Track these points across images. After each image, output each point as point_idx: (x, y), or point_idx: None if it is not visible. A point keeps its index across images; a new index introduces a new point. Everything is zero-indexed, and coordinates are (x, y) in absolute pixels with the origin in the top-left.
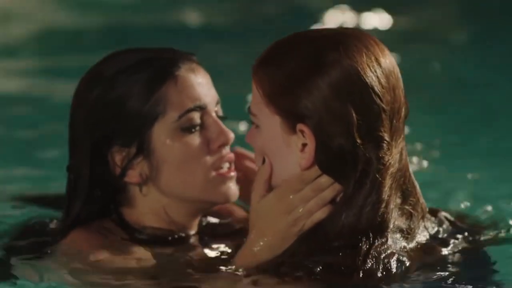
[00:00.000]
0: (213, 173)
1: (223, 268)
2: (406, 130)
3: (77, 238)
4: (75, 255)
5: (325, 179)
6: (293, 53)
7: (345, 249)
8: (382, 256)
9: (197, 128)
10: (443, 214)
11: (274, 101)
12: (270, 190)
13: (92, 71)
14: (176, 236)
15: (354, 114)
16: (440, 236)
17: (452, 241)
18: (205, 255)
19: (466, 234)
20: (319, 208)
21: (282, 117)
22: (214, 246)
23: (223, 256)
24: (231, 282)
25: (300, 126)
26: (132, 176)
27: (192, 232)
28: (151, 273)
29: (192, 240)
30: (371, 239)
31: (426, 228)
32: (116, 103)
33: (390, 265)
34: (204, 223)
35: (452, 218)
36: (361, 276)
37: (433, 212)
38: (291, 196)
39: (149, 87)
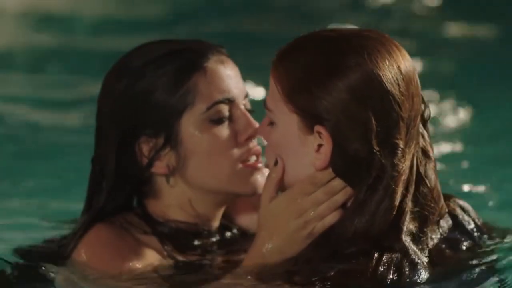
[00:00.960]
0: (240, 165)
1: (232, 271)
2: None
3: (99, 234)
4: (91, 261)
5: (337, 183)
6: (315, 52)
7: (358, 255)
8: (394, 261)
9: (225, 120)
10: (457, 204)
11: (292, 99)
12: (281, 191)
13: (120, 62)
14: (199, 230)
15: (373, 120)
16: (451, 236)
17: (462, 244)
18: (223, 256)
19: (476, 233)
20: (330, 212)
21: (299, 116)
22: (234, 245)
23: (239, 257)
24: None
25: (317, 127)
26: (159, 167)
27: (215, 226)
28: (166, 282)
29: (214, 236)
30: (384, 245)
31: (439, 229)
32: (144, 93)
33: (403, 270)
34: (225, 220)
35: (467, 208)
36: (373, 282)
37: (446, 200)
38: (302, 199)
39: (178, 78)
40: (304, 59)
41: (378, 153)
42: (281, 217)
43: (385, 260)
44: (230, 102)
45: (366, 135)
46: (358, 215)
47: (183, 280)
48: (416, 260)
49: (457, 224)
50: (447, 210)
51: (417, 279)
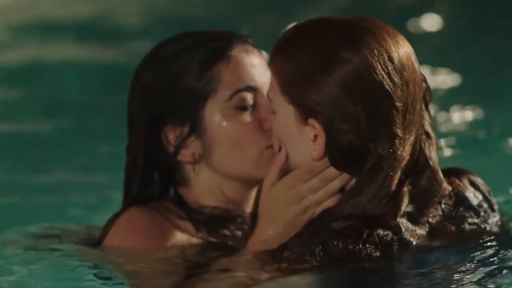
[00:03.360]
0: (266, 151)
1: (233, 257)
2: None
3: (132, 216)
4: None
5: (333, 170)
6: (307, 47)
7: (348, 231)
8: (384, 239)
9: (249, 108)
10: (468, 179)
11: (287, 91)
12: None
13: (150, 53)
14: (232, 215)
15: (363, 113)
16: (454, 213)
17: (466, 220)
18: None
19: (482, 209)
20: (327, 198)
21: (295, 108)
22: None
23: None
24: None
25: (311, 120)
26: (185, 155)
27: (247, 211)
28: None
29: (247, 222)
30: (375, 224)
31: (442, 206)
32: (170, 81)
33: (392, 248)
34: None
35: (477, 183)
36: (361, 258)
37: (457, 176)
38: (299, 186)
39: (203, 66)
40: (296, 53)
41: (372, 143)
42: (280, 203)
43: (374, 237)
44: (254, 90)
45: (358, 127)
46: (354, 198)
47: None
48: (408, 239)
49: (462, 200)
50: (450, 188)
51: (406, 258)
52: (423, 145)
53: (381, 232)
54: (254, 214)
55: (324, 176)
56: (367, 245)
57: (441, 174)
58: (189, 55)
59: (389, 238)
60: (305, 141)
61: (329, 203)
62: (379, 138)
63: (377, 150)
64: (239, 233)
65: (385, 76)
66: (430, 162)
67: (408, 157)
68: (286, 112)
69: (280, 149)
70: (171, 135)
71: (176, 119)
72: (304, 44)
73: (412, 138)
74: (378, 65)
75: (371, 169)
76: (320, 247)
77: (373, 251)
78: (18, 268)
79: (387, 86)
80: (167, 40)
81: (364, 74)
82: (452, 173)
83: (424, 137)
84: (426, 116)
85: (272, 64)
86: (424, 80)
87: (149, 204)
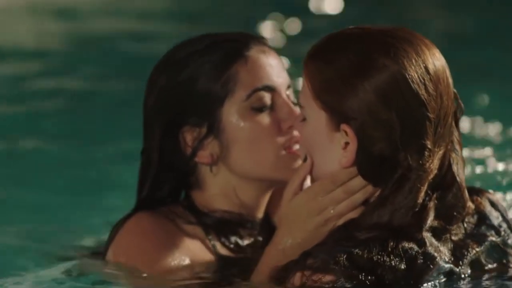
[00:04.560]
0: (284, 152)
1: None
2: None
3: (140, 222)
4: (130, 248)
5: (357, 182)
6: (344, 53)
7: (373, 242)
8: (409, 253)
9: (267, 108)
10: (487, 198)
11: (320, 97)
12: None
13: (165, 56)
14: (243, 220)
15: (397, 121)
16: (476, 232)
17: (487, 238)
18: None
19: (503, 228)
20: (349, 210)
21: (327, 114)
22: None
23: None
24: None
25: (343, 126)
26: (203, 156)
27: (258, 217)
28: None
29: (257, 228)
30: (400, 237)
31: (465, 224)
32: (187, 82)
33: (416, 262)
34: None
35: (496, 203)
36: (385, 270)
37: (477, 195)
38: (322, 197)
39: (220, 67)
40: (333, 59)
41: (403, 153)
42: (301, 214)
43: (399, 250)
44: (271, 90)
45: (390, 136)
46: (379, 209)
47: (221, 273)
48: (432, 254)
49: (484, 219)
50: (473, 206)
51: (430, 272)
52: (451, 161)
53: (406, 244)
54: (264, 221)
55: (347, 188)
56: (391, 257)
57: (466, 192)
58: (206, 56)
59: (413, 252)
60: (334, 149)
61: (351, 216)
62: (409, 148)
63: (406, 161)
64: (249, 239)
65: (421, 86)
66: (458, 179)
67: (436, 171)
68: (317, 118)
69: (305, 159)
70: (189, 136)
71: (193, 120)
72: (342, 50)
73: (441, 152)
74: (415, 74)
75: (398, 180)
76: (345, 256)
77: (397, 263)
78: None
79: (422, 96)
80: (183, 42)
81: (401, 82)
82: (472, 191)
83: (453, 154)
84: (455, 133)
85: (306, 70)
86: (456, 97)
87: (157, 210)
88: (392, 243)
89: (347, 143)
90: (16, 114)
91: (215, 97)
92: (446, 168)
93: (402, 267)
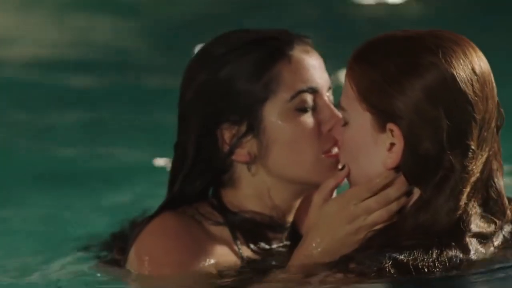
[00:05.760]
0: (323, 155)
1: (277, 271)
2: None
3: (164, 222)
4: (153, 249)
5: (391, 192)
6: (391, 52)
7: (417, 249)
8: (453, 261)
9: (309, 110)
10: None
11: (367, 98)
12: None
13: (204, 50)
14: (273, 223)
15: (445, 120)
16: None
17: None
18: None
19: None
20: (382, 220)
21: (373, 115)
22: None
23: None
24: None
25: (390, 125)
26: (240, 154)
27: (288, 221)
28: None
29: (285, 232)
30: (444, 243)
31: (502, 232)
32: (228, 80)
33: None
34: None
35: None
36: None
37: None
38: (355, 205)
39: (263, 66)
40: (379, 60)
41: (448, 153)
42: (333, 220)
43: (444, 257)
44: (314, 92)
45: (437, 135)
46: (421, 212)
47: (246, 277)
48: (475, 261)
49: None
50: (511, 215)
51: (473, 280)
52: (493, 167)
53: (450, 252)
54: (293, 225)
55: (381, 198)
56: (436, 264)
57: (506, 200)
58: (248, 53)
59: (458, 259)
60: (378, 150)
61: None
62: (454, 148)
63: (450, 162)
64: (276, 243)
65: (468, 85)
66: (497, 186)
67: (477, 175)
68: (362, 120)
69: (342, 168)
70: (227, 134)
71: (233, 117)
72: (389, 50)
73: (484, 156)
74: (463, 74)
75: (440, 181)
76: (390, 263)
77: (442, 270)
78: None
79: (469, 96)
80: (220, 37)
81: (449, 80)
82: (510, 200)
83: (494, 160)
84: (497, 141)
85: (351, 72)
86: (498, 104)
87: (183, 209)
88: (436, 250)
89: (392, 144)
90: None
91: (256, 96)
92: (487, 173)
93: (447, 275)
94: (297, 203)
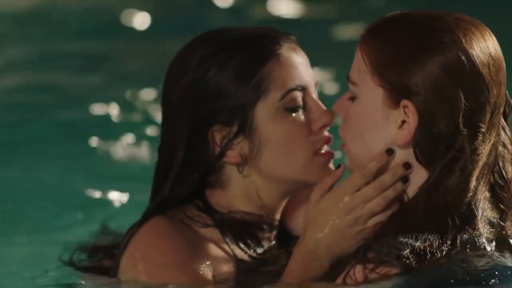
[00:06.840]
0: (314, 154)
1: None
2: None
3: (157, 226)
4: (147, 252)
5: (387, 177)
6: (409, 28)
7: (432, 233)
8: (468, 246)
9: (300, 108)
10: None
11: (381, 72)
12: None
13: (187, 50)
14: (262, 222)
15: (462, 99)
16: None
17: None
18: (281, 251)
19: None
20: (381, 208)
21: (386, 90)
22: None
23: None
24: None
25: (405, 101)
26: (231, 156)
27: (276, 219)
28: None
29: (273, 230)
30: (458, 226)
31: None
32: (217, 81)
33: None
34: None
35: None
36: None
37: None
38: (351, 195)
39: (252, 66)
40: (397, 34)
41: (461, 133)
42: (331, 213)
43: (458, 242)
44: (303, 89)
45: (453, 113)
46: (432, 193)
47: (242, 276)
48: (488, 246)
49: None
50: None
51: (484, 267)
52: (497, 152)
53: (464, 235)
54: (281, 223)
55: (377, 184)
56: (452, 250)
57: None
58: (236, 54)
59: (471, 244)
60: (387, 128)
61: (383, 216)
62: (468, 130)
63: (462, 143)
64: (265, 242)
65: (486, 68)
66: (504, 173)
67: (485, 159)
68: (373, 96)
69: (338, 167)
70: (218, 136)
71: (224, 119)
72: (408, 27)
73: (492, 140)
74: (482, 55)
75: (449, 162)
76: (407, 250)
77: (460, 253)
78: None
79: (486, 78)
80: (202, 36)
81: (469, 60)
82: None
83: (500, 147)
84: (506, 128)
85: (364, 46)
86: (506, 93)
87: (171, 214)
88: (451, 235)
89: (403, 121)
90: None
91: (247, 97)
92: (493, 159)
93: (463, 257)
94: (285, 201)
